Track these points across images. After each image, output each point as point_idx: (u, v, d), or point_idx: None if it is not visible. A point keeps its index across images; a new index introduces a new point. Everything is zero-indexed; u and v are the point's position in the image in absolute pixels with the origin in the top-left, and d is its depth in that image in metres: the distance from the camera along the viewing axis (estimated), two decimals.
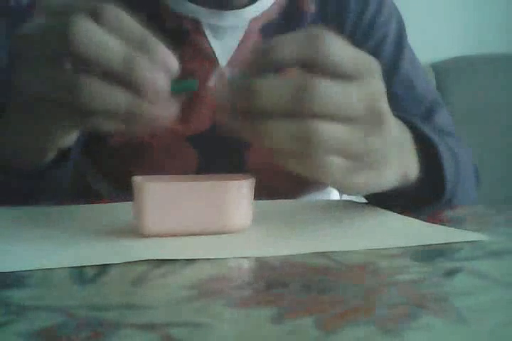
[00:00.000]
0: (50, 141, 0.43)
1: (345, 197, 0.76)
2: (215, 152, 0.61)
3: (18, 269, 0.30)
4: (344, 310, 0.25)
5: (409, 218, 0.44)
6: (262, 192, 0.41)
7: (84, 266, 0.31)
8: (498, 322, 0.24)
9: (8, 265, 0.31)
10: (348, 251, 0.34)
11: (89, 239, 0.37)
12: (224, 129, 0.35)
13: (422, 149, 0.47)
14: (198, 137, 0.61)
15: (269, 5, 0.63)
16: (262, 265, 0.32)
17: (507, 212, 0.49)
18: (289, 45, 0.33)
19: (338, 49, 0.33)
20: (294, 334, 0.22)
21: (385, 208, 0.48)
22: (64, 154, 0.47)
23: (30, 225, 0.41)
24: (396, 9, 0.70)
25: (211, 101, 0.59)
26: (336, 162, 0.35)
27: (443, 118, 0.66)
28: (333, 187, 0.41)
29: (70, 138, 0.43)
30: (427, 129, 0.50)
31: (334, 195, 0.75)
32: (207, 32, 0.61)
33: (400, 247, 0.36)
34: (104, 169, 0.67)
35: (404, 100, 0.65)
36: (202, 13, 0.61)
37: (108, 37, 0.34)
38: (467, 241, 0.37)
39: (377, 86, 0.36)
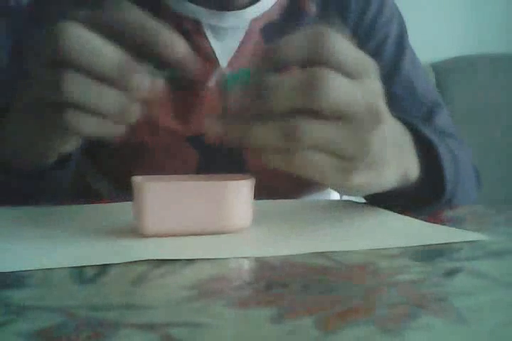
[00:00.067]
0: (50, 147, 0.43)
1: (345, 197, 0.76)
2: (215, 152, 0.61)
3: (18, 269, 0.30)
4: (344, 310, 0.25)
5: (409, 218, 0.44)
6: (262, 192, 0.41)
7: (84, 266, 0.31)
8: (498, 322, 0.24)
9: (8, 265, 0.31)
10: (348, 251, 0.34)
11: (89, 239, 0.37)
12: (211, 135, 0.35)
13: (421, 150, 0.47)
14: (198, 137, 0.61)
15: (269, 5, 0.63)
16: (262, 265, 0.32)
17: (507, 212, 0.49)
18: (295, 45, 0.33)
19: (343, 47, 0.34)
20: (294, 334, 0.22)
21: (385, 208, 0.48)
22: (66, 155, 0.47)
23: (30, 225, 0.41)
24: (397, 9, 0.70)
25: (212, 101, 0.59)
26: (320, 159, 0.35)
27: (443, 119, 0.66)
28: (332, 187, 0.41)
29: (71, 145, 0.43)
30: (427, 130, 0.50)
31: (334, 195, 0.75)
32: (207, 32, 0.61)
33: (400, 247, 0.36)
34: (104, 169, 0.67)
35: (405, 100, 0.65)
36: (203, 14, 0.61)
37: (101, 43, 0.35)
38: (467, 241, 0.37)
39: (375, 86, 0.36)
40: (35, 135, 0.42)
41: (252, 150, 0.36)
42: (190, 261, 0.32)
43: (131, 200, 0.38)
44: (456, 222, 0.46)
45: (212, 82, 0.58)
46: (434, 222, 0.43)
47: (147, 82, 0.36)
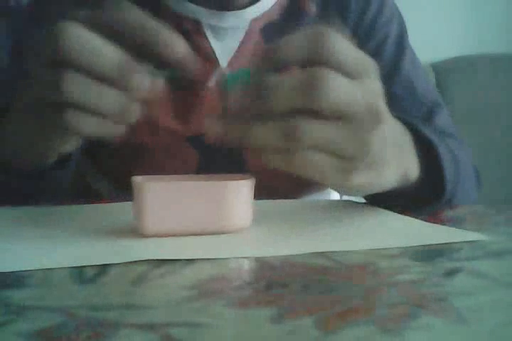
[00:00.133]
0: (50, 147, 0.43)
1: (345, 197, 0.76)
2: (215, 152, 0.61)
3: (18, 269, 0.30)
4: (344, 310, 0.25)
5: (409, 218, 0.44)
6: (262, 192, 0.41)
7: (84, 266, 0.31)
8: (498, 322, 0.24)
9: (8, 265, 0.31)
10: (348, 251, 0.34)
11: (89, 239, 0.37)
12: (210, 135, 0.35)
13: (421, 150, 0.47)
14: (198, 137, 0.61)
15: (269, 5, 0.63)
16: (262, 265, 0.32)
17: (507, 212, 0.49)
18: (295, 45, 0.33)
19: (342, 47, 0.34)
20: (294, 334, 0.22)
21: (385, 208, 0.48)
22: (66, 155, 0.47)
23: (30, 225, 0.41)
24: (397, 9, 0.70)
25: (212, 101, 0.59)
26: (320, 159, 0.35)
27: (443, 119, 0.66)
28: (332, 187, 0.41)
29: (70, 145, 0.43)
30: (427, 130, 0.50)
31: (334, 195, 0.75)
32: (207, 32, 0.61)
33: (400, 247, 0.36)
34: (104, 169, 0.67)
35: (405, 100, 0.65)
36: (203, 14, 0.61)
37: (101, 43, 0.35)
38: (467, 241, 0.37)
39: (375, 86, 0.36)
40: (35, 135, 0.42)
41: (252, 150, 0.36)
42: (190, 261, 0.32)
43: (131, 200, 0.38)
44: (456, 222, 0.46)
45: (212, 82, 0.58)
46: (434, 222, 0.43)
47: (147, 82, 0.36)
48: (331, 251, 0.34)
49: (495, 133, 1.61)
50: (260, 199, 0.42)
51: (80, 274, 0.30)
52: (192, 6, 0.61)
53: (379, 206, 0.49)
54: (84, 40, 0.34)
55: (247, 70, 0.35)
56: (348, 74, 0.34)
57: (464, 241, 0.37)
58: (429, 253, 0.34)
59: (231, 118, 0.35)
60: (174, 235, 0.37)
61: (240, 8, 0.61)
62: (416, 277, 0.30)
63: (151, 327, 0.23)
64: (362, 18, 0.66)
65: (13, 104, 0.44)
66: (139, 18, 0.35)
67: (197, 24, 0.61)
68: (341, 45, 0.34)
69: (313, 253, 0.34)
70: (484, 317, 0.24)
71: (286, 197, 0.53)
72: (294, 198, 0.56)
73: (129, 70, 0.35)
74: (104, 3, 0.36)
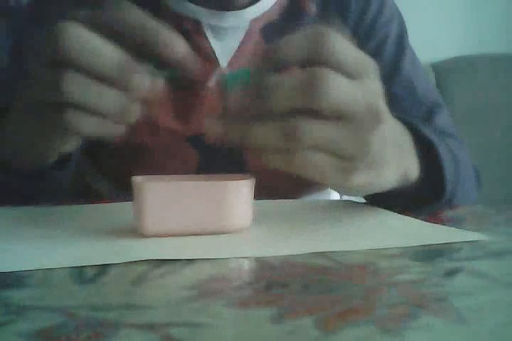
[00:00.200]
0: (50, 147, 0.43)
1: (345, 197, 0.76)
2: (215, 152, 0.61)
3: (18, 269, 0.30)
4: (344, 310, 0.25)
5: (409, 218, 0.44)
6: (262, 192, 0.41)
7: (84, 266, 0.31)
8: (498, 322, 0.24)
9: (8, 265, 0.31)
10: (348, 251, 0.34)
11: (89, 239, 0.37)
12: (211, 135, 0.35)
13: (421, 150, 0.47)
14: (198, 137, 0.61)
15: (269, 6, 0.63)
16: (262, 265, 0.32)
17: (507, 212, 0.49)
18: (295, 45, 0.34)
19: (342, 47, 0.34)
20: (294, 334, 0.22)
21: (385, 208, 0.48)
22: (66, 155, 0.47)
23: (30, 225, 0.41)
24: (397, 9, 0.70)
25: (212, 101, 0.59)
26: (320, 159, 0.35)
27: (444, 119, 0.66)
28: (332, 187, 0.41)
29: (71, 145, 0.43)
30: (427, 130, 0.50)
31: (334, 195, 0.75)
32: (207, 32, 0.61)
33: (400, 247, 0.36)
34: (104, 169, 0.67)
35: (405, 101, 0.65)
36: (203, 14, 0.61)
37: (101, 42, 0.35)
38: (467, 241, 0.37)
39: (375, 86, 0.36)
40: (35, 135, 0.42)
41: (253, 150, 0.36)
42: (190, 261, 0.32)
43: (131, 200, 0.38)
44: (456, 222, 0.46)
45: (212, 82, 0.58)
46: (434, 222, 0.43)
47: (147, 81, 0.36)
48: (331, 251, 0.34)
49: (495, 133, 1.61)
50: (260, 199, 0.42)
51: (80, 274, 0.30)
52: (192, 6, 0.61)
53: (379, 206, 0.49)
54: (84, 40, 0.34)
55: (247, 70, 0.35)
56: (348, 74, 0.34)
57: (464, 241, 0.37)
58: (429, 253, 0.34)
59: (231, 118, 0.35)
60: (174, 235, 0.37)
61: (240, 8, 0.61)
62: (416, 277, 0.30)
63: (151, 327, 0.23)
64: (362, 18, 0.66)
65: (13, 104, 0.44)
66: (138, 17, 0.35)
67: (197, 24, 0.61)
68: (341, 45, 0.34)
69: (313, 253, 0.34)
70: (484, 317, 0.24)
71: (286, 197, 0.53)
72: (294, 198, 0.56)
73: (129, 70, 0.35)
74: (104, 3, 0.36)
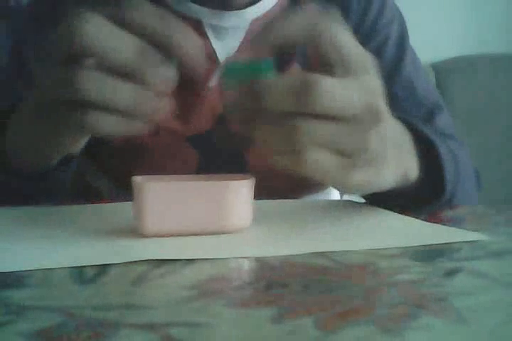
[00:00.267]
0: (58, 148, 0.43)
1: (345, 197, 0.76)
2: (215, 152, 0.61)
3: (18, 269, 0.30)
4: (344, 310, 0.25)
5: (409, 218, 0.44)
6: (262, 192, 0.41)
7: (84, 266, 0.31)
8: (498, 322, 0.24)
9: (8, 265, 0.31)
10: (348, 251, 0.34)
11: (89, 239, 0.37)
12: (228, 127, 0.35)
13: (422, 150, 0.47)
14: (198, 137, 0.61)
15: (270, 6, 0.63)
16: (262, 265, 0.32)
17: (507, 212, 0.49)
18: (295, 23, 0.33)
19: (343, 38, 0.34)
20: (294, 334, 0.22)
21: (385, 208, 0.48)
22: (68, 156, 0.47)
23: (30, 225, 0.41)
24: (398, 10, 0.70)
25: (212, 101, 0.59)
26: (324, 157, 0.35)
27: (444, 120, 0.66)
28: (333, 185, 0.41)
29: (79, 144, 0.43)
30: (427, 130, 0.50)
31: (334, 195, 0.75)
32: (208, 32, 0.61)
33: (400, 247, 0.36)
34: (105, 168, 0.67)
35: (405, 101, 0.65)
36: (204, 14, 0.61)
37: (120, 32, 0.34)
38: (467, 241, 0.37)
39: (375, 83, 0.36)
40: (46, 135, 0.41)
41: (259, 151, 0.36)
42: (190, 261, 0.32)
43: (131, 200, 0.38)
44: (456, 222, 0.46)
45: (212, 82, 0.58)
46: (434, 222, 0.43)
47: (164, 75, 0.35)
48: (331, 251, 0.34)
49: (495, 133, 1.61)
50: (260, 199, 0.42)
51: (80, 274, 0.30)
52: (193, 6, 0.61)
53: (379, 206, 0.49)
54: (103, 32, 0.34)
55: (244, 63, 0.35)
56: (346, 69, 0.34)
57: (464, 241, 0.37)
58: (429, 253, 0.34)
59: (230, 114, 0.35)
60: (174, 235, 0.37)
61: (241, 8, 0.61)
62: (416, 277, 0.30)
63: (151, 327, 0.23)
64: (363, 19, 0.66)
65: (18, 105, 0.44)
66: (154, 14, 0.35)
67: (198, 24, 0.61)
68: (340, 36, 0.34)
69: (313, 253, 0.34)
70: (484, 317, 0.24)
71: (286, 197, 0.53)
72: (294, 198, 0.56)
73: (147, 63, 0.35)
74: (117, 1, 0.35)
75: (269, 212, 0.46)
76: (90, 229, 0.39)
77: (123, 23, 0.34)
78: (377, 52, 0.65)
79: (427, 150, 0.48)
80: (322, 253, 0.34)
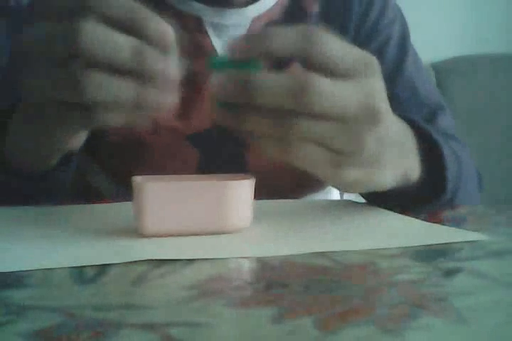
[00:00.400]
0: (57, 146, 0.43)
1: (345, 197, 0.76)
2: (215, 152, 0.61)
3: (18, 269, 0.30)
4: (344, 310, 0.25)
5: (409, 218, 0.44)
6: (262, 192, 0.41)
7: (84, 266, 0.31)
8: (498, 322, 0.24)
9: (8, 265, 0.31)
10: (348, 251, 0.34)
11: (89, 239, 0.37)
12: (217, 120, 0.35)
13: (424, 149, 0.47)
14: (198, 136, 0.61)
15: (271, 4, 0.63)
16: (261, 265, 0.32)
17: (507, 212, 0.49)
18: (284, 37, 0.33)
19: (334, 47, 0.34)
20: (294, 334, 0.22)
21: (385, 208, 0.48)
22: (67, 156, 0.47)
23: (30, 225, 0.41)
24: (400, 11, 0.70)
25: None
26: (315, 151, 0.35)
27: (446, 121, 0.66)
28: (325, 180, 0.41)
29: (79, 140, 0.43)
30: (430, 129, 0.50)
31: (334, 195, 0.75)
32: (209, 30, 0.61)
33: (400, 247, 0.36)
34: (105, 168, 0.66)
35: (407, 102, 0.65)
36: (204, 11, 0.61)
37: (115, 34, 0.34)
38: (467, 241, 0.37)
39: (376, 85, 0.36)
40: (47, 133, 0.41)
41: (250, 135, 0.36)
42: (190, 261, 0.32)
43: (131, 200, 0.38)
44: (456, 222, 0.46)
45: (213, 79, 0.58)
46: (434, 222, 0.43)
47: (168, 71, 0.35)
48: (331, 251, 0.34)
49: (495, 133, 1.61)
50: (260, 199, 0.42)
51: (80, 274, 0.30)
52: (194, 4, 0.61)
53: (379, 206, 0.49)
54: (99, 34, 0.34)
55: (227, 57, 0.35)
56: (343, 73, 0.34)
57: (464, 241, 0.37)
58: (429, 253, 0.34)
59: (219, 108, 0.35)
60: (174, 235, 0.37)
61: (242, 6, 0.61)
62: (416, 277, 0.30)
63: (151, 327, 0.23)
64: (364, 20, 0.66)
65: (18, 105, 0.44)
66: (128, 4, 0.34)
67: (198, 21, 0.61)
68: (332, 45, 0.34)
69: (313, 253, 0.34)
70: (484, 317, 0.24)
71: (286, 197, 0.53)
72: (295, 198, 0.56)
73: (147, 58, 0.34)
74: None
75: (269, 212, 0.46)
76: (90, 229, 0.39)
77: (107, 21, 0.34)
78: (379, 53, 0.64)
79: (429, 149, 0.48)
80: (322, 253, 0.34)
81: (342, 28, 0.64)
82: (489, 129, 1.60)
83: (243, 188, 0.38)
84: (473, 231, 0.40)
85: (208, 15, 0.61)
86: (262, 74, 0.33)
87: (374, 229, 0.41)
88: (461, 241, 0.37)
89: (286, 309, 0.25)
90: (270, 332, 0.22)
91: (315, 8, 0.64)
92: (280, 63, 0.35)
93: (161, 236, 0.37)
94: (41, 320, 0.23)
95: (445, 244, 0.37)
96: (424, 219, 0.44)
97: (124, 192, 0.42)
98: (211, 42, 0.61)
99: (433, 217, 0.46)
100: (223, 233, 0.38)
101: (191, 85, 0.58)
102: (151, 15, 0.35)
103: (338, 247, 0.35)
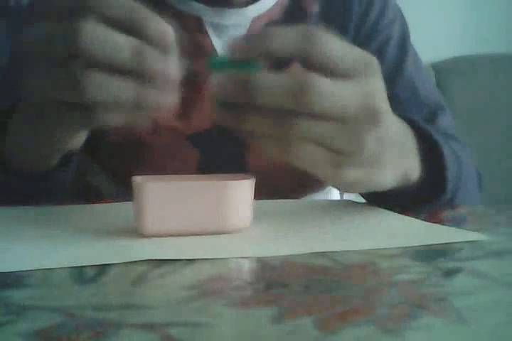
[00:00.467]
0: (60, 143, 0.43)
1: (345, 197, 0.76)
2: (215, 152, 0.61)
3: (18, 269, 0.30)
4: (344, 310, 0.25)
5: (409, 218, 0.44)
6: (262, 192, 0.41)
7: (84, 266, 0.31)
8: (498, 322, 0.24)
9: (8, 265, 0.31)
10: (348, 251, 0.34)
11: (89, 239, 0.37)
12: (216, 120, 0.35)
13: (424, 149, 0.47)
14: (198, 136, 0.61)
15: (271, 4, 0.63)
16: (262, 265, 0.32)
17: (507, 212, 0.49)
18: (283, 37, 0.33)
19: (334, 46, 0.34)
20: (294, 334, 0.22)
21: (385, 208, 0.48)
22: (67, 155, 0.47)
23: (30, 225, 0.41)
24: (400, 11, 0.70)
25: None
26: (315, 151, 0.35)
27: (446, 121, 0.66)
28: (325, 180, 0.41)
29: (79, 140, 0.43)
30: (430, 129, 0.50)
31: (334, 195, 0.75)
32: (209, 30, 0.61)
33: (400, 247, 0.36)
34: (105, 167, 0.66)
35: (407, 102, 0.65)
36: (204, 11, 0.61)
37: (115, 34, 0.34)
38: (467, 241, 0.37)
39: (376, 84, 0.36)
40: (47, 133, 0.41)
41: (250, 135, 0.36)
42: (190, 261, 0.32)
43: (131, 200, 0.38)
44: (456, 222, 0.46)
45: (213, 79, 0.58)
46: (434, 222, 0.43)
47: (168, 71, 0.35)
48: (331, 251, 0.34)
49: (495, 133, 1.61)
50: (260, 199, 0.42)
51: (80, 274, 0.30)
52: (194, 4, 0.61)
53: (379, 206, 0.49)
54: (99, 34, 0.33)
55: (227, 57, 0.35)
56: (340, 74, 0.34)
57: (464, 241, 0.37)
58: (429, 253, 0.34)
59: (218, 108, 0.35)
60: (174, 235, 0.37)
61: (242, 6, 0.61)
62: (416, 277, 0.30)
63: (151, 327, 0.23)
64: (364, 20, 0.66)
65: (18, 105, 0.44)
66: (127, 4, 0.34)
67: (198, 21, 0.61)
68: (332, 45, 0.33)
69: (313, 253, 0.34)
70: (484, 317, 0.24)
71: (286, 197, 0.53)
72: (294, 198, 0.56)
73: (148, 58, 0.34)
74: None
75: (269, 212, 0.46)
76: (90, 229, 0.39)
77: (107, 21, 0.34)
78: (379, 53, 0.64)
79: (429, 149, 0.48)
80: (322, 253, 0.34)
81: (342, 28, 0.64)
82: (489, 129, 1.60)
83: (243, 188, 0.38)
84: (473, 231, 0.40)
85: (208, 15, 0.61)
86: (262, 74, 0.33)
87: (374, 229, 0.41)
88: (461, 241, 0.37)
89: (286, 309, 0.25)
90: (270, 332, 0.22)
91: (315, 8, 0.64)
92: (280, 63, 0.35)
93: (161, 236, 0.37)
94: (41, 320, 0.23)
95: (445, 244, 0.37)
96: (424, 219, 0.44)
97: (124, 192, 0.42)
98: (211, 42, 0.61)
99: (433, 217, 0.46)
100: (223, 233, 0.38)
101: (191, 85, 0.58)
102: (151, 15, 0.35)
103: (338, 247, 0.35)
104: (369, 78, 0.35)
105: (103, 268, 0.31)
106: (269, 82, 0.33)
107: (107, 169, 0.66)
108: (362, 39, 0.65)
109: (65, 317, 0.24)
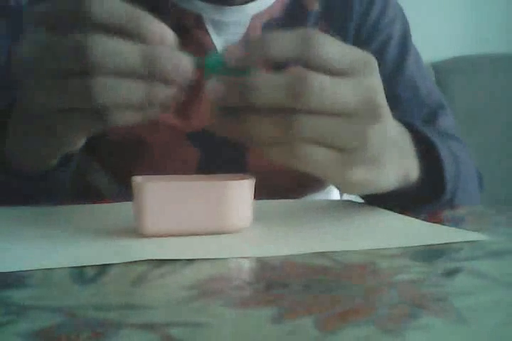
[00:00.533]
0: (67, 145, 0.43)
1: (345, 197, 0.76)
2: (215, 152, 0.61)
3: (18, 269, 0.30)
4: (344, 310, 0.25)
5: (409, 218, 0.44)
6: (262, 192, 0.41)
7: (84, 266, 0.31)
8: (498, 322, 0.24)
9: (8, 265, 0.31)
10: (348, 251, 0.34)
11: (89, 239, 0.37)
12: (212, 128, 0.35)
13: (422, 151, 0.47)
14: (198, 136, 0.61)
15: (271, 2, 0.63)
16: (262, 265, 0.32)
17: (507, 212, 0.49)
18: (281, 43, 0.33)
19: (331, 48, 0.34)
20: (294, 334, 0.22)
21: (385, 208, 0.48)
22: (67, 156, 0.47)
23: (30, 225, 0.41)
24: (401, 10, 0.70)
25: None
26: (318, 152, 0.35)
27: (447, 121, 0.66)
28: (332, 182, 0.41)
29: (81, 142, 0.43)
30: (427, 131, 0.50)
31: (334, 195, 0.75)
32: (209, 27, 0.61)
33: (400, 247, 0.36)
34: (105, 167, 0.66)
35: (408, 101, 0.65)
36: (205, 9, 0.61)
37: (122, 43, 0.34)
38: (467, 241, 0.37)
39: (374, 81, 0.36)
40: (47, 135, 0.41)
41: (253, 142, 0.36)
42: (190, 261, 0.32)
43: (131, 200, 0.38)
44: (456, 222, 0.46)
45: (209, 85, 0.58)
46: (434, 222, 0.43)
47: (178, 72, 0.35)
48: (331, 251, 0.34)
49: (495, 133, 1.61)
50: (260, 199, 0.42)
51: (80, 274, 0.30)
52: (194, 1, 0.61)
53: (379, 206, 0.49)
54: (106, 47, 0.33)
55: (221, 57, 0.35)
56: (340, 72, 0.34)
57: (464, 241, 0.37)
58: (429, 253, 0.34)
59: (219, 109, 0.35)
60: (174, 235, 0.37)
61: (242, 4, 0.62)
62: (416, 277, 0.30)
63: (151, 327, 0.23)
64: (365, 19, 0.66)
65: (15, 105, 0.44)
66: (119, 6, 0.34)
67: (198, 19, 0.61)
68: (329, 46, 0.33)
69: (313, 253, 0.34)
70: (484, 317, 0.24)
71: (286, 197, 0.53)
72: (294, 198, 0.56)
73: (160, 58, 0.34)
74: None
75: (269, 212, 0.46)
76: (90, 229, 0.39)
77: (109, 31, 0.34)
78: (380, 52, 0.64)
79: (426, 151, 0.48)
80: (322, 253, 0.34)
81: (342, 28, 0.64)
82: (489, 129, 1.60)
83: (243, 188, 0.38)
84: (473, 231, 0.40)
85: (208, 12, 0.61)
86: (259, 75, 0.33)
87: (374, 229, 0.41)
88: (461, 241, 0.37)
89: (286, 309, 0.25)
90: (270, 332, 0.22)
91: (315, 7, 0.64)
92: (279, 67, 0.35)
93: (161, 236, 0.37)
94: (41, 320, 0.23)
95: (445, 244, 0.37)
96: (424, 219, 0.44)
97: (125, 191, 0.42)
98: (211, 39, 0.61)
99: (433, 217, 0.46)
100: (223, 233, 0.38)
101: (190, 83, 0.58)
102: (149, 17, 0.34)
103: (338, 247, 0.35)
104: (367, 76, 0.35)
105: (103, 268, 0.31)
106: (266, 81, 0.33)
107: (107, 168, 0.66)
108: (363, 38, 0.65)
109: (65, 317, 0.24)
